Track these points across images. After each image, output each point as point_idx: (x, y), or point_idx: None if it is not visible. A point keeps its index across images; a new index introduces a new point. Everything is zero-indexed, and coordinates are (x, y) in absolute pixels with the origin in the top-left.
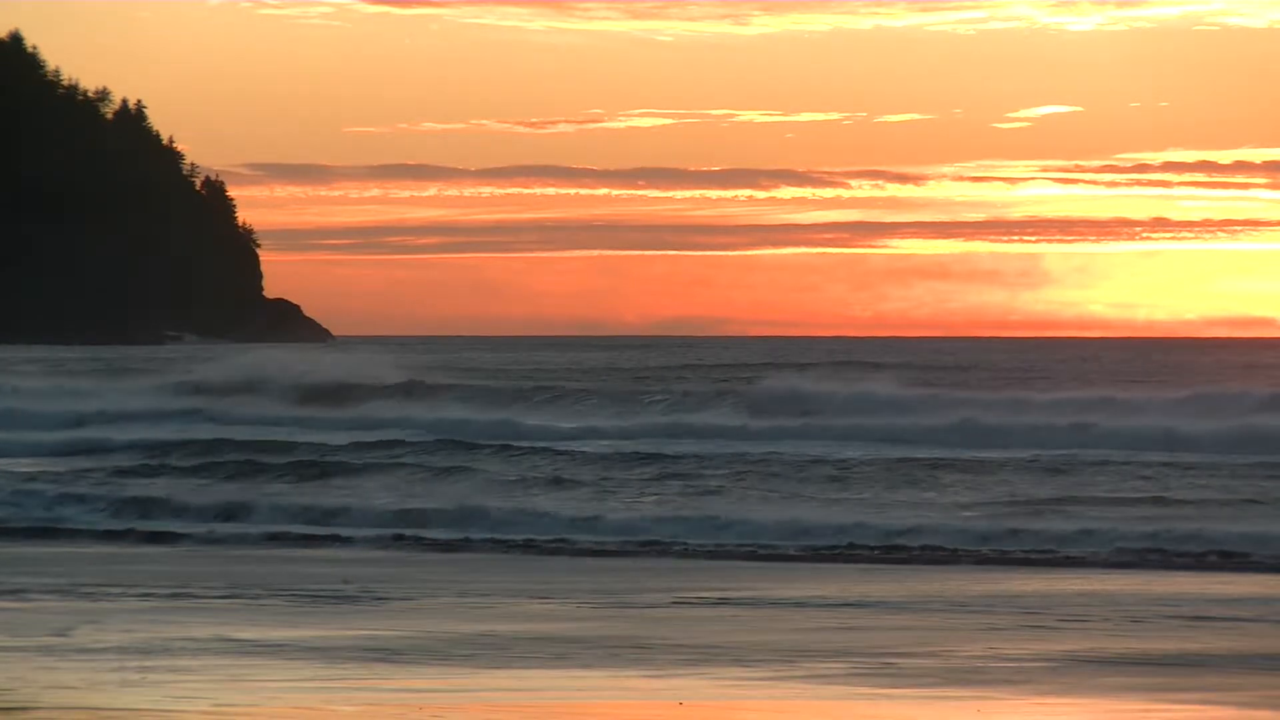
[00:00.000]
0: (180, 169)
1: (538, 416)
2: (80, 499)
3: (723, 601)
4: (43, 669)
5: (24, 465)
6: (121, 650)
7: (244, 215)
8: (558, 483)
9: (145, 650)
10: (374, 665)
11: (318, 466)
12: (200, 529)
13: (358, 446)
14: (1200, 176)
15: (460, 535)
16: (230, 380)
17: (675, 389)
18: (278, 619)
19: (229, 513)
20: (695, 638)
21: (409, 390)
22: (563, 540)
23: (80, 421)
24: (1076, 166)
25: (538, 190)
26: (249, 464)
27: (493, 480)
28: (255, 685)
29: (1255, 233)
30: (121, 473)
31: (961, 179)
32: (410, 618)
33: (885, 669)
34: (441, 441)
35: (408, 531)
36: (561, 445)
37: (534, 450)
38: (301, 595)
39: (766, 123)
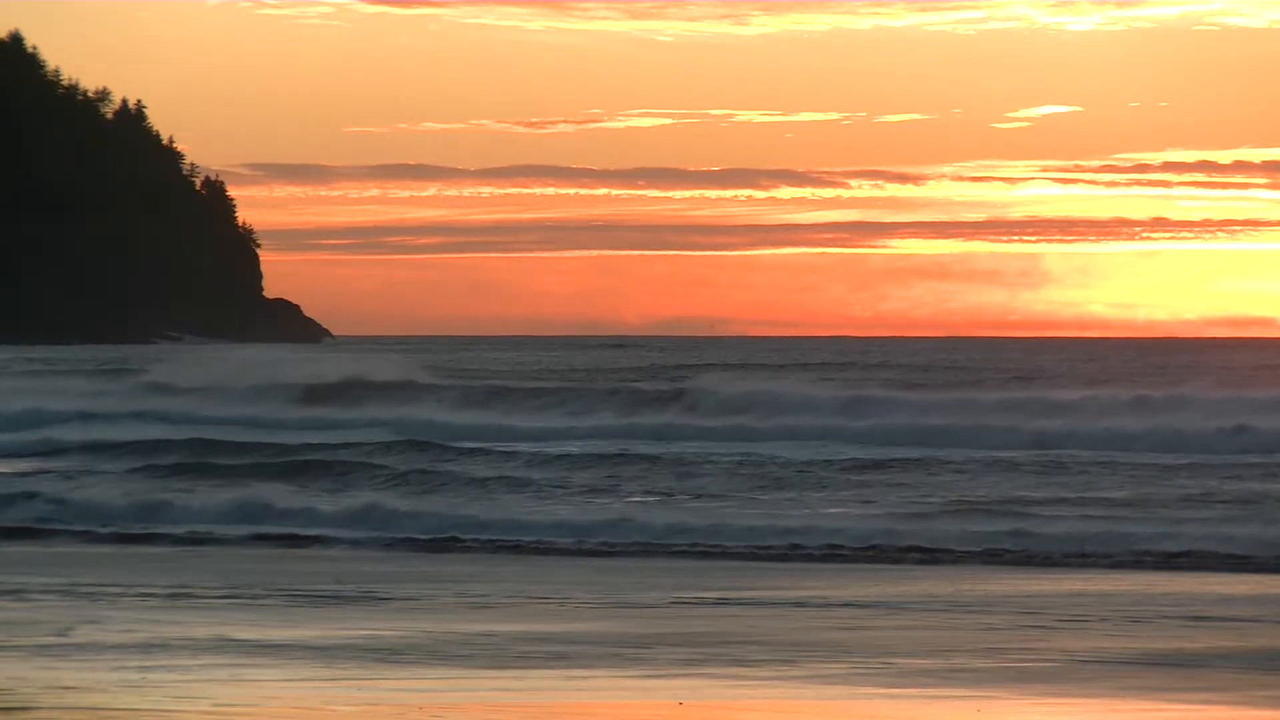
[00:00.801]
0: (180, 169)
1: (511, 417)
2: (32, 498)
3: (723, 601)
4: (43, 669)
5: None
6: (121, 650)
7: (244, 215)
8: (514, 483)
9: (145, 650)
10: (374, 665)
11: (272, 466)
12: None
13: (316, 447)
14: (1200, 176)
15: (450, 535)
16: (196, 380)
17: (666, 389)
18: (278, 619)
19: (149, 512)
20: (695, 638)
21: (375, 389)
22: (548, 541)
23: (38, 422)
24: (1076, 166)
25: (537, 190)
26: (198, 464)
27: (452, 478)
28: (255, 685)
29: (1255, 233)
30: (69, 474)
31: (961, 179)
32: (410, 618)
33: (885, 669)
34: (401, 442)
35: (391, 534)
36: (526, 446)
37: (495, 452)
38: (301, 595)
39: (766, 123)
